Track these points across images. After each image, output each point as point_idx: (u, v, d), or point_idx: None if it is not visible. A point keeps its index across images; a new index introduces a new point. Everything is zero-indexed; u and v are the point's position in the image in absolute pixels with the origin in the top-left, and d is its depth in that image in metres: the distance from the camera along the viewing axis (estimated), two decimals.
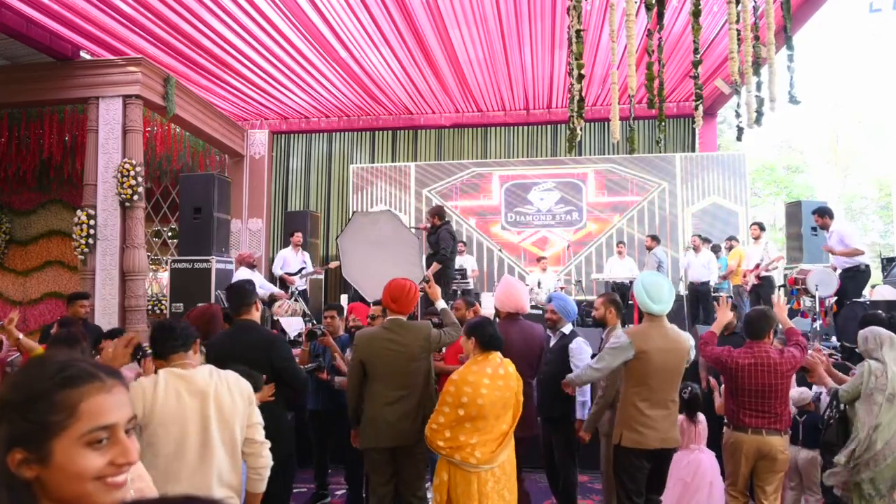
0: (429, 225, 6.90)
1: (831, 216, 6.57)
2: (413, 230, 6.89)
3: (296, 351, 3.83)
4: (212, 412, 2.20)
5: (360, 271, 6.66)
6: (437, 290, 3.75)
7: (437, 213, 7.11)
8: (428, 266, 6.75)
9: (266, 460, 2.35)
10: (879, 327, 3.45)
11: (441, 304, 3.66)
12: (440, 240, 6.83)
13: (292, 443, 3.39)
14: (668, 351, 3.19)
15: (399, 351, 3.27)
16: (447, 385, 2.93)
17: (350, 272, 6.70)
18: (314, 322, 6.95)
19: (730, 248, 8.78)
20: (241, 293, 3.30)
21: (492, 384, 2.86)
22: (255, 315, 3.28)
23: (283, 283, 7.64)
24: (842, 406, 3.40)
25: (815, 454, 3.76)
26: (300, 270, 7.77)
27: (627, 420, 3.20)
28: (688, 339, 3.30)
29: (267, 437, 2.43)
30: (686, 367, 3.31)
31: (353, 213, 7.22)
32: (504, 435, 2.93)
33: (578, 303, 8.44)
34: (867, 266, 6.39)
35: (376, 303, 4.36)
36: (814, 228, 8.00)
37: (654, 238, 9.05)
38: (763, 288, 7.68)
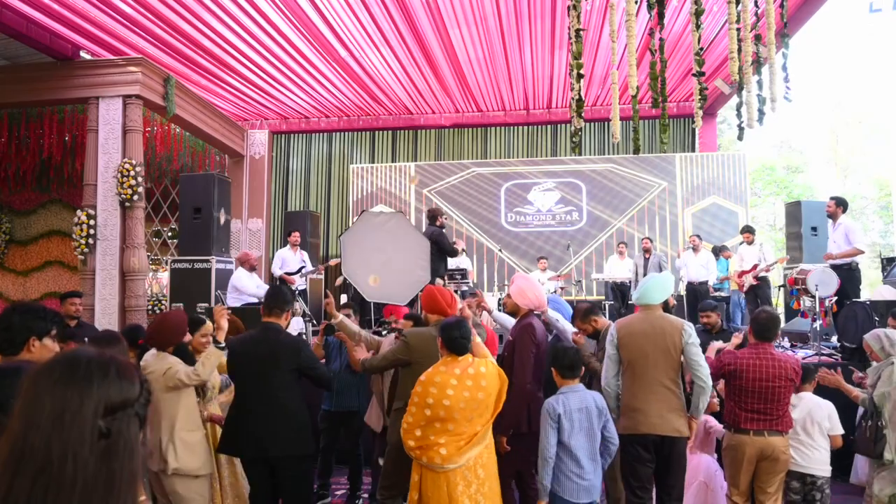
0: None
1: (845, 209, 6.54)
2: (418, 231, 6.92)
3: None
4: None
5: (361, 271, 6.64)
6: None
7: (432, 214, 7.23)
8: None
9: None
10: (885, 329, 3.64)
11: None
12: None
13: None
14: (646, 335, 3.23)
15: None
16: (416, 385, 2.86)
17: (350, 271, 6.68)
18: (315, 322, 6.93)
19: (727, 257, 8.85)
20: (281, 299, 3.34)
21: (459, 385, 2.76)
22: (283, 322, 3.30)
23: (284, 283, 7.62)
24: (883, 413, 3.40)
25: None
26: (300, 269, 7.75)
27: (622, 407, 3.29)
28: (676, 324, 3.25)
29: (301, 436, 2.84)
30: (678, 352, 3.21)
31: (363, 211, 7.17)
32: (474, 435, 2.81)
33: (578, 303, 8.48)
34: (857, 265, 6.43)
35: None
36: (814, 228, 7.97)
37: (651, 240, 9.24)
38: (761, 289, 7.72)
